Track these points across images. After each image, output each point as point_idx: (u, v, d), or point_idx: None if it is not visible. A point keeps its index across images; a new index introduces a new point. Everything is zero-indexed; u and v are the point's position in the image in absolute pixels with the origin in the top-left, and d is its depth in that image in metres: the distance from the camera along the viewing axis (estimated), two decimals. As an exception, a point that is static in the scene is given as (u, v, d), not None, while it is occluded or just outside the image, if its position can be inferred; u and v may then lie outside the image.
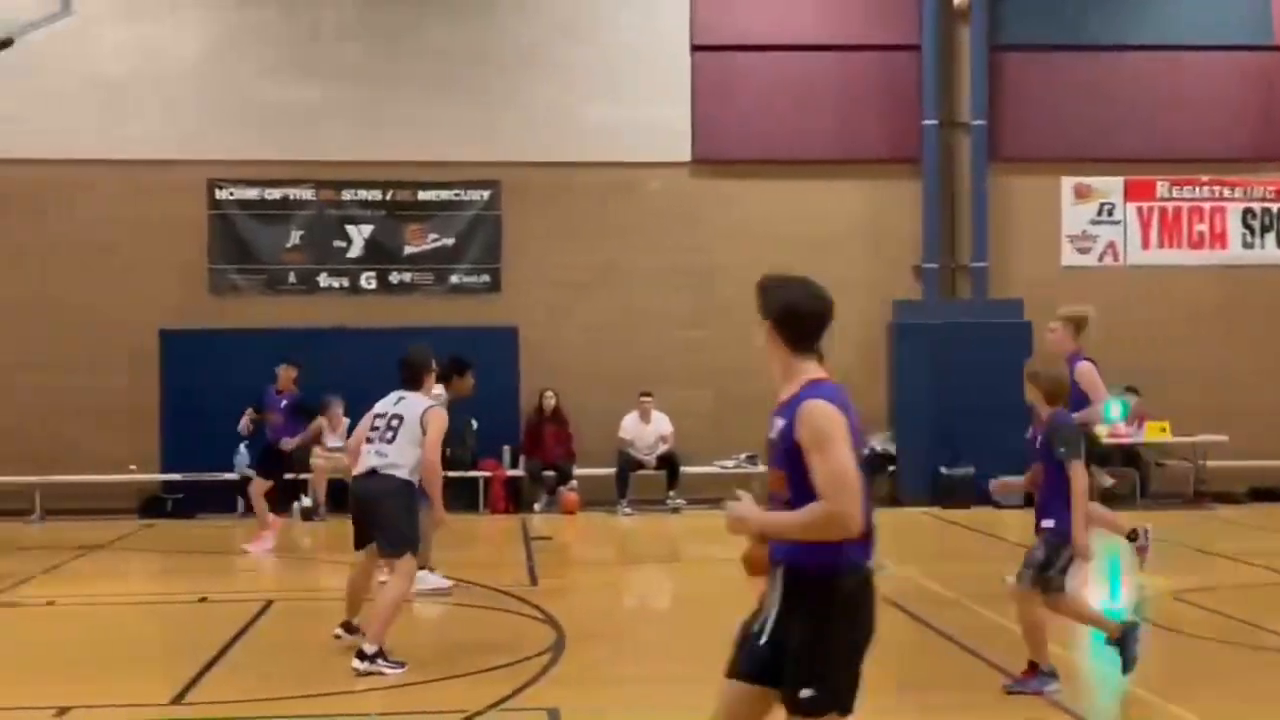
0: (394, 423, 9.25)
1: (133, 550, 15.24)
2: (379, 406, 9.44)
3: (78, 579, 13.15)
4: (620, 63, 19.39)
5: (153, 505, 18.17)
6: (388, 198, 19.25)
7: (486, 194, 19.34)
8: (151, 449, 18.32)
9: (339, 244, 19.19)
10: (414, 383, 9.56)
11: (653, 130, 19.29)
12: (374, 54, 19.10)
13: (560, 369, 19.06)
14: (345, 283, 19.19)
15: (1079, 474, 7.94)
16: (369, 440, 9.27)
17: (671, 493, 18.62)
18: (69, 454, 18.18)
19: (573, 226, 19.38)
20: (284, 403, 15.23)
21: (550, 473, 18.80)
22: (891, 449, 19.13)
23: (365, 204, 19.23)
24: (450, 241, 19.32)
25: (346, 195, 19.18)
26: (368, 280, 19.24)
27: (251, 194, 19.02)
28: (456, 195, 19.32)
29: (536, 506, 18.66)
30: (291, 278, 19.10)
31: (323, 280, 19.17)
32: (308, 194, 19.12)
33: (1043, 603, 8.06)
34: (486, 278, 19.40)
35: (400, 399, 9.43)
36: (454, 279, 19.34)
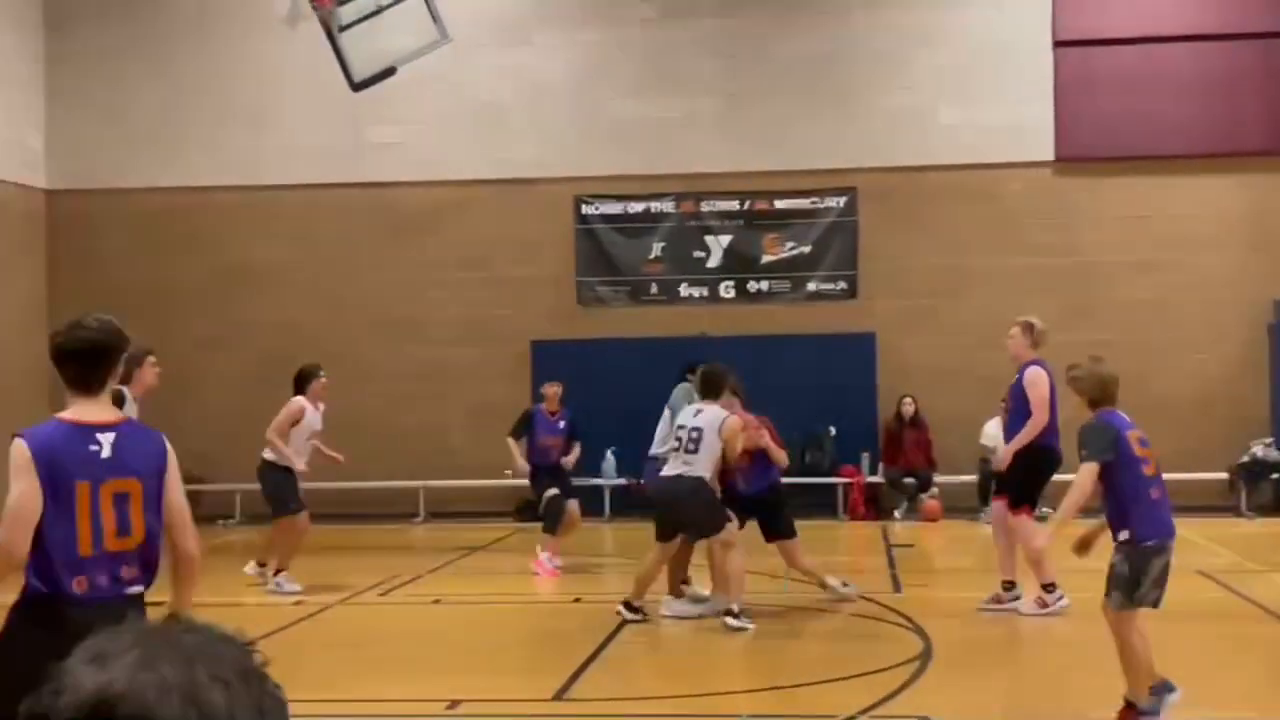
0: (694, 434, 10.70)
1: (510, 552, 15.90)
2: (681, 418, 11.00)
3: (461, 578, 13.87)
4: (977, 62, 19.08)
5: (528, 509, 18.94)
6: (745, 207, 19.53)
7: (842, 201, 19.37)
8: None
9: (699, 254, 19.58)
10: (713, 394, 10.98)
11: (1012, 130, 18.89)
12: (730, 66, 19.40)
13: (919, 374, 18.90)
14: (705, 292, 19.57)
15: (1085, 472, 7.25)
16: (674, 450, 10.86)
17: (1037, 500, 18.17)
18: (450, 460, 19.14)
19: (930, 230, 19.18)
20: (561, 424, 14.29)
21: (910, 480, 18.66)
22: (1275, 455, 18.11)
23: (724, 214, 19.56)
24: (807, 249, 19.44)
25: (705, 206, 19.56)
26: (726, 289, 19.57)
27: (615, 208, 19.62)
28: (813, 203, 19.43)
29: (897, 514, 18.55)
30: (653, 288, 19.60)
31: (683, 290, 19.60)
32: (668, 206, 19.59)
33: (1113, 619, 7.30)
34: (843, 284, 19.42)
35: (699, 411, 10.85)
36: (811, 286, 19.45)
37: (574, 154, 19.48)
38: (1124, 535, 7.23)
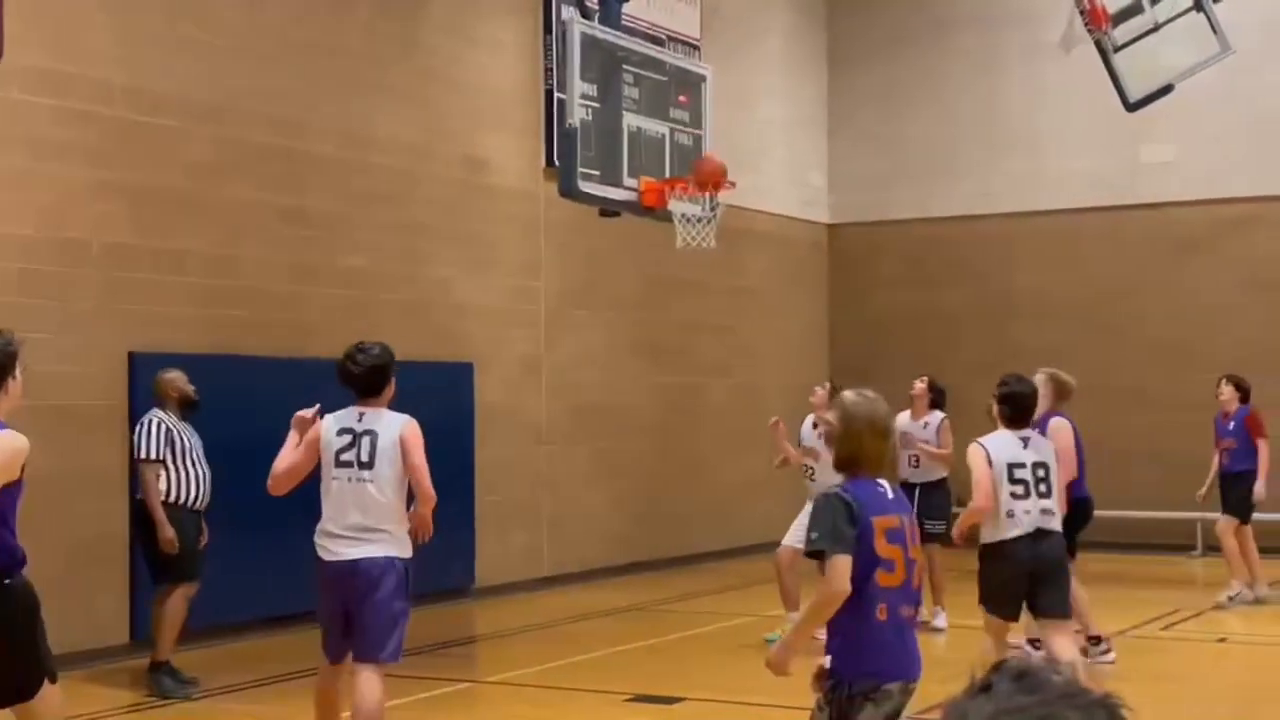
0: (1040, 472, 7.99)
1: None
2: (1011, 454, 7.96)
3: (1247, 617, 13.04)
4: None
5: None
6: None
7: None
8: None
9: None
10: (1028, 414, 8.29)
11: None
12: None
13: None
14: None
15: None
16: (1017, 497, 7.87)
17: None
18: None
19: None
20: (1231, 425, 13.67)
21: None
22: None
23: None
24: None
25: None
26: None
27: None
28: None
29: None
30: None
31: None
32: None
33: None
34: None
35: (1027, 439, 8.16)
36: None
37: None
38: None
